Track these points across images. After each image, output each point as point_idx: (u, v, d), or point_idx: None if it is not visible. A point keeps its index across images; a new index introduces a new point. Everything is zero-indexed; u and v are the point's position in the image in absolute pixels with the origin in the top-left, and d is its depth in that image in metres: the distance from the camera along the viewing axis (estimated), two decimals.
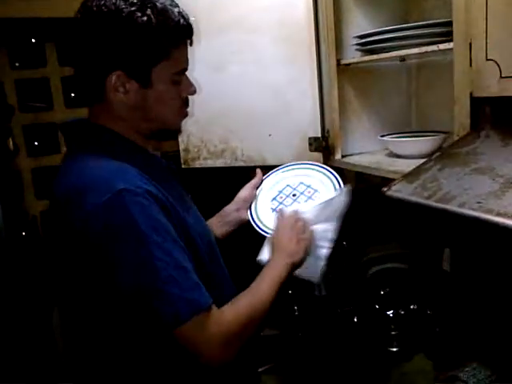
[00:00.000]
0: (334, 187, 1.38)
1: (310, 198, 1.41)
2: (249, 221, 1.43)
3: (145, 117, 1.08)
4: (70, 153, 1.09)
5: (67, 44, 1.05)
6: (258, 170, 1.52)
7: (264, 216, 1.43)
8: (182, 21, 1.04)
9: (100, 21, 0.99)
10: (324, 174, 1.44)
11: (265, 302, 1.08)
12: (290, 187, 1.47)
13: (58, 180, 1.05)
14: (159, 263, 0.92)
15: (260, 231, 1.39)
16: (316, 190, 1.42)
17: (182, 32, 1.05)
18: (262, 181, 1.51)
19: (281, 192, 1.48)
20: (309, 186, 1.44)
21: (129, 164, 1.02)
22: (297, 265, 1.22)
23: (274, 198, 1.47)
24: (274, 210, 1.43)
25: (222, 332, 0.98)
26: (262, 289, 1.10)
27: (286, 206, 1.42)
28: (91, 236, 0.93)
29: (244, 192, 1.46)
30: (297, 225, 1.26)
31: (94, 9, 0.99)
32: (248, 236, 1.41)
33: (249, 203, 1.45)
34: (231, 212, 1.44)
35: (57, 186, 1.04)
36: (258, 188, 1.49)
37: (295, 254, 1.21)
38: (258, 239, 1.37)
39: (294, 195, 1.45)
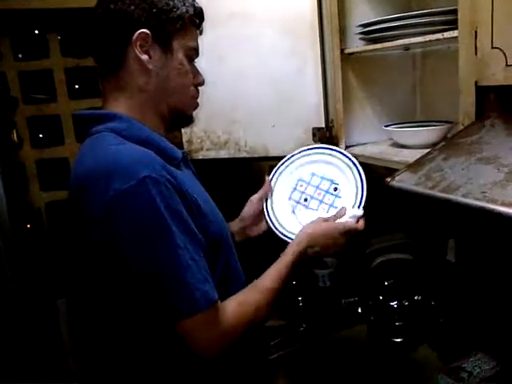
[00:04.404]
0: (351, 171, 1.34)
1: (329, 190, 1.37)
2: (261, 235, 1.41)
3: (164, 88, 1.10)
4: (87, 140, 1.07)
5: (94, 10, 1.08)
6: (267, 180, 1.44)
7: (285, 221, 1.37)
8: (196, 3, 1.13)
9: None
10: (337, 157, 1.38)
11: (268, 300, 1.09)
12: (304, 181, 1.42)
13: (77, 165, 1.04)
14: (180, 251, 0.94)
15: (285, 238, 1.33)
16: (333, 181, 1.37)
17: (196, 11, 1.12)
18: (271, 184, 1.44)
19: (295, 189, 1.42)
20: (322, 177, 1.39)
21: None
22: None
23: (290, 198, 1.42)
24: (293, 210, 1.39)
25: (223, 329, 0.99)
26: (268, 288, 1.10)
27: (307, 201, 1.38)
28: (113, 221, 0.93)
29: (248, 210, 1.43)
30: (341, 238, 1.24)
31: None
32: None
33: (255, 218, 1.42)
34: (238, 230, 1.42)
35: (76, 170, 1.03)
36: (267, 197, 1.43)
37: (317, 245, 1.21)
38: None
39: (315, 191, 1.38)
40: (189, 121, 1.22)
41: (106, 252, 0.96)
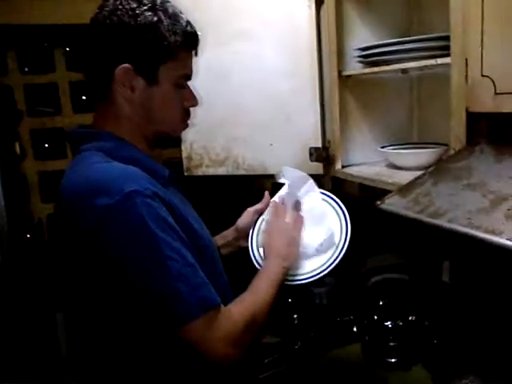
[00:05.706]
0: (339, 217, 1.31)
1: None
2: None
3: (149, 117, 1.10)
4: (75, 157, 1.09)
5: (79, 40, 1.09)
6: (266, 194, 1.42)
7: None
8: (189, 28, 1.09)
9: (114, 16, 1.03)
10: (328, 203, 1.34)
11: (266, 302, 1.09)
12: None
13: (64, 182, 1.05)
14: (170, 262, 0.94)
15: (258, 266, 1.32)
16: None
17: (189, 37, 1.09)
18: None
19: None
20: None
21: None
22: (290, 267, 1.22)
23: None
24: None
25: (229, 330, 0.99)
26: (261, 290, 1.11)
27: None
28: (102, 237, 0.94)
29: (244, 220, 1.42)
30: (286, 225, 1.27)
31: (110, 6, 1.04)
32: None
33: (249, 229, 1.40)
34: (231, 240, 1.43)
35: (64, 187, 1.04)
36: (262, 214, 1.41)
37: (287, 258, 1.22)
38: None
39: None
40: (174, 140, 1.23)
41: (97, 266, 0.97)
